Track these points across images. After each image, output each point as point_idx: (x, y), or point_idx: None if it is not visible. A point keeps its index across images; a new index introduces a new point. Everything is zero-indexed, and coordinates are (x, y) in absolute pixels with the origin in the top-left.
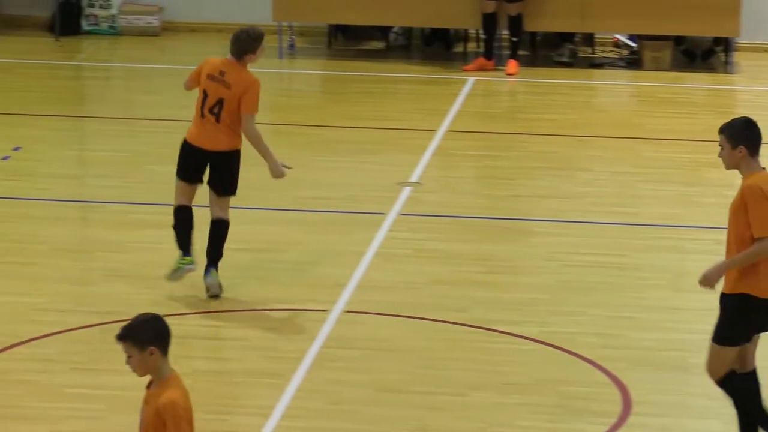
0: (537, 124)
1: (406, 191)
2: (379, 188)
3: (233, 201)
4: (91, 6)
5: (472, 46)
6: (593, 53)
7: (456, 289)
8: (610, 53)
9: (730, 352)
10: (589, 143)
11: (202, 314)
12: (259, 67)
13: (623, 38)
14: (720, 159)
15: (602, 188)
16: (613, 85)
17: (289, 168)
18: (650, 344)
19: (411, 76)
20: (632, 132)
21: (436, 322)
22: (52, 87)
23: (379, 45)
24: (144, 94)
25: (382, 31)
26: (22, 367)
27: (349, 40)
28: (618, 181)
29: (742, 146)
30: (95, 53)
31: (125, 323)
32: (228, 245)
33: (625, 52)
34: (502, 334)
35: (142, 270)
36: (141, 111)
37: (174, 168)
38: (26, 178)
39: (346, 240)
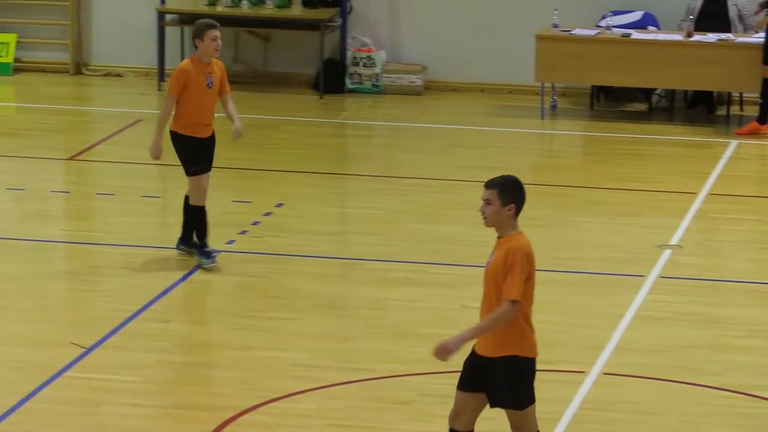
0: None
1: (666, 254)
2: (639, 250)
3: None
4: (355, 65)
5: (735, 109)
6: None
7: (715, 353)
8: None
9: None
10: None
11: (457, 374)
12: (520, 128)
13: None
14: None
15: None
16: None
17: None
18: None
19: (673, 138)
20: None
21: (694, 386)
22: (315, 144)
23: (641, 107)
24: (406, 152)
25: (645, 93)
26: (279, 422)
27: (611, 102)
28: None
29: (512, 204)
30: (358, 111)
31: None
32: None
33: None
34: (762, 400)
35: (402, 327)
36: (403, 169)
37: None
38: (288, 234)
39: (605, 302)
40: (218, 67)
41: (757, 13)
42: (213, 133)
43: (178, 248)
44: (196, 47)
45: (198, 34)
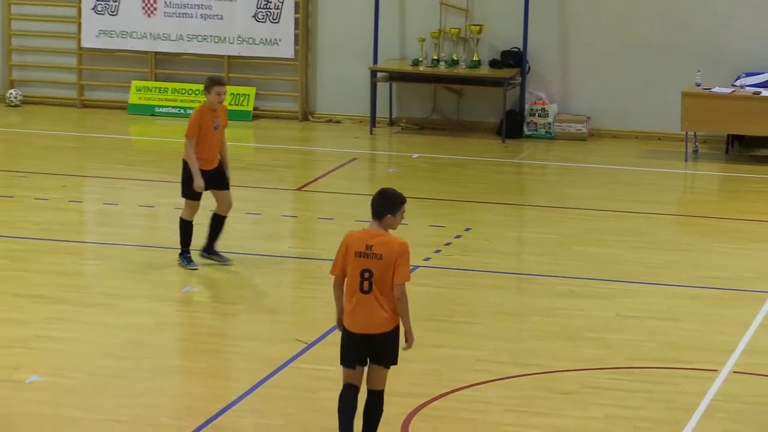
0: None
1: None
2: (765, 270)
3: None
4: (532, 115)
5: None
6: None
7: None
8: None
9: None
10: None
11: (612, 370)
12: (667, 168)
13: None
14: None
15: None
16: None
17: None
18: None
19: None
20: None
21: None
22: (498, 180)
23: None
24: (573, 188)
25: None
26: (464, 407)
27: (743, 148)
28: None
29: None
30: (533, 153)
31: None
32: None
33: None
34: None
35: (567, 331)
36: (571, 201)
37: None
38: (475, 253)
39: (735, 312)
40: (222, 111)
41: None
42: (219, 163)
43: (202, 256)
44: (206, 97)
45: (206, 88)
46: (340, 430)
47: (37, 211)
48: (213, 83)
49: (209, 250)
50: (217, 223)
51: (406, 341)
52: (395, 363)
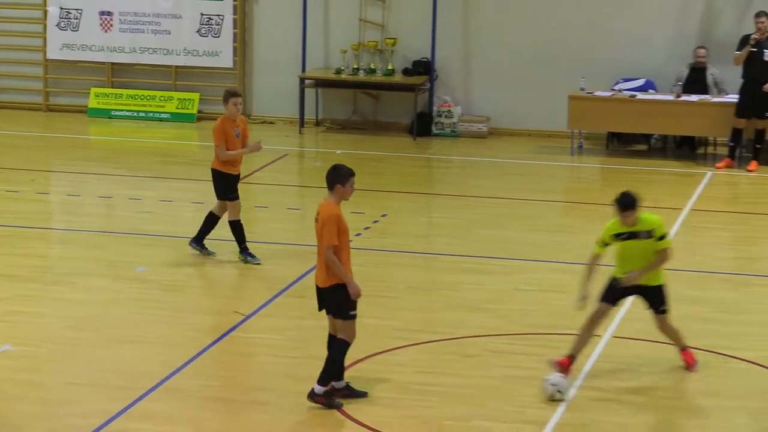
0: (761, 206)
1: None
2: None
3: None
4: (439, 116)
5: (710, 149)
6: None
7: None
8: None
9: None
10: None
11: (510, 336)
12: (556, 162)
13: None
14: None
15: None
16: None
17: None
18: None
19: (665, 170)
20: None
21: None
22: (410, 173)
23: (642, 147)
24: (475, 179)
25: (645, 137)
26: (382, 368)
27: (621, 143)
28: None
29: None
30: (440, 149)
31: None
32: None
33: None
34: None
35: (472, 304)
36: (473, 191)
37: None
38: (391, 236)
39: None
40: (241, 121)
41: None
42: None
43: (190, 245)
44: (225, 108)
45: (225, 100)
46: None
47: (9, 202)
48: (230, 95)
49: (198, 242)
50: (214, 222)
51: (350, 294)
52: (342, 316)
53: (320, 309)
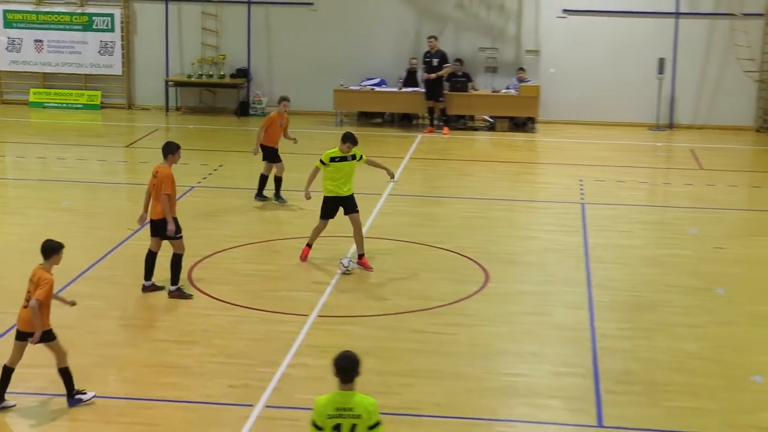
0: (453, 153)
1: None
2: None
3: None
4: (254, 104)
5: (421, 121)
6: (474, 123)
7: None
8: (482, 123)
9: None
10: (472, 164)
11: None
12: (325, 130)
13: (488, 117)
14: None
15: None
16: (486, 138)
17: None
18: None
19: (394, 134)
20: (491, 158)
21: None
22: (235, 138)
23: (379, 120)
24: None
25: (381, 114)
26: (221, 262)
27: (366, 118)
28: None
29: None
30: (255, 124)
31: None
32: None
33: (488, 122)
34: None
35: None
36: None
37: None
38: (225, 178)
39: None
40: (285, 119)
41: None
42: (277, 146)
43: (255, 198)
44: (278, 106)
45: (279, 101)
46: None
47: None
48: (282, 99)
49: (276, 196)
50: (266, 179)
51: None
52: (172, 238)
53: (153, 235)
